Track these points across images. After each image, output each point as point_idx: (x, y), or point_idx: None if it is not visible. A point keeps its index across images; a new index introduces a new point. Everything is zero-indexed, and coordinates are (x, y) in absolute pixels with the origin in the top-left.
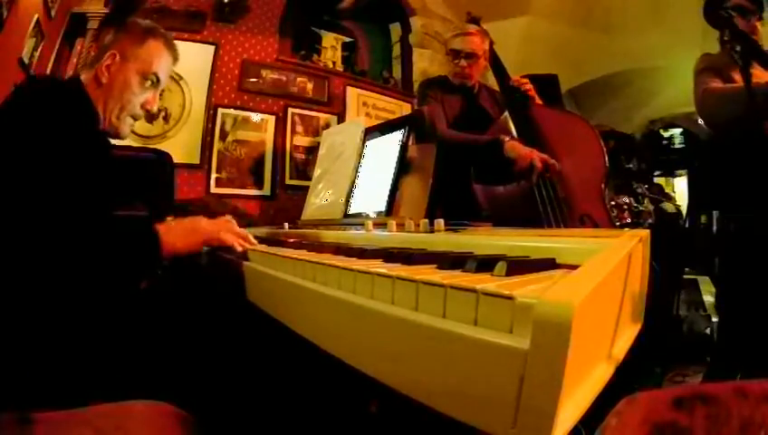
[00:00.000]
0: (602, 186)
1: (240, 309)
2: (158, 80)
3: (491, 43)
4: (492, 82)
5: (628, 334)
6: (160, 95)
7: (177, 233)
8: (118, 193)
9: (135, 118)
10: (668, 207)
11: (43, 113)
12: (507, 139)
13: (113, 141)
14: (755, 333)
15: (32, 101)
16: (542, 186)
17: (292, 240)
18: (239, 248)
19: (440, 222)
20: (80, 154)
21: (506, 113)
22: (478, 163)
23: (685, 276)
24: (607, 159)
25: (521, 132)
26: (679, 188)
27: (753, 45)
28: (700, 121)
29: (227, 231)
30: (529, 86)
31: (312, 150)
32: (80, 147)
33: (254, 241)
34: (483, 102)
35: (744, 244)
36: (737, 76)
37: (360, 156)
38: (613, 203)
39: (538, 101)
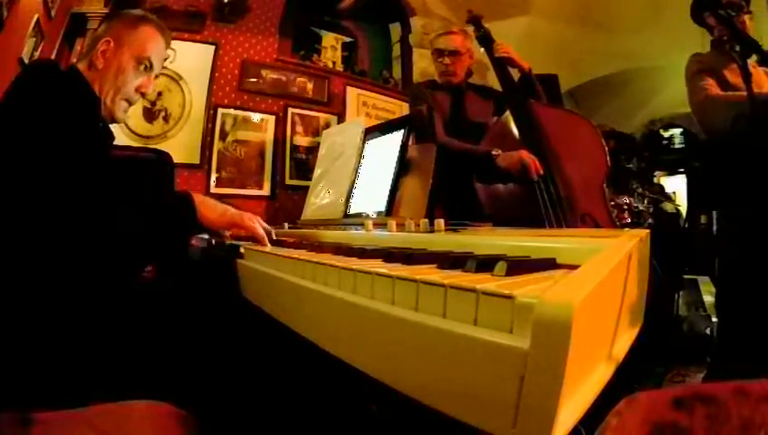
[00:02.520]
0: (604, 185)
1: (240, 309)
2: (151, 64)
3: (492, 43)
4: (491, 82)
5: (628, 334)
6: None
7: (210, 207)
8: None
9: (130, 102)
10: (668, 207)
11: (48, 98)
12: (497, 152)
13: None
14: (756, 333)
15: (36, 87)
16: (543, 184)
17: (292, 240)
18: (261, 239)
19: (440, 222)
20: (88, 135)
21: (507, 112)
22: (474, 169)
23: (685, 276)
24: (609, 158)
25: (522, 131)
26: (668, 187)
27: (753, 44)
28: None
29: (251, 220)
30: (509, 53)
31: (312, 150)
32: (86, 129)
33: (273, 237)
34: (468, 102)
35: (743, 243)
36: (729, 74)
37: (360, 156)
38: (613, 203)
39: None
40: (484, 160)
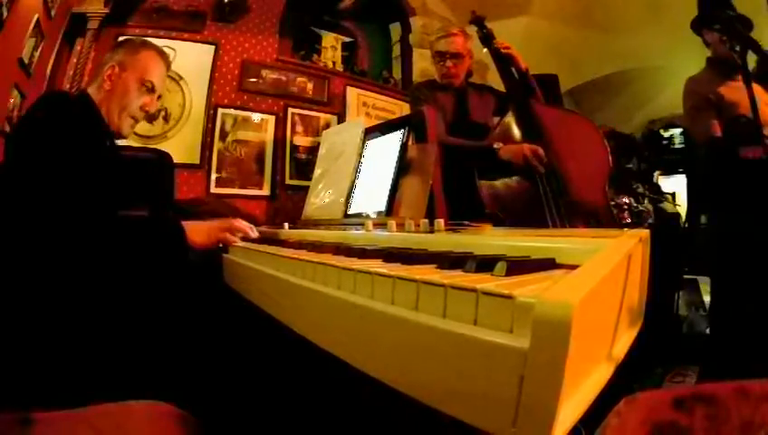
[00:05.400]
0: (606, 185)
1: (239, 310)
2: (153, 85)
3: (494, 42)
4: (491, 82)
5: (628, 334)
6: (158, 97)
7: (196, 230)
8: (122, 193)
9: (135, 119)
10: (668, 207)
11: (61, 122)
12: (499, 145)
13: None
14: (750, 332)
15: (50, 113)
16: (547, 180)
17: (292, 240)
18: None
19: (440, 222)
20: (95, 156)
21: (510, 113)
22: (478, 165)
23: (685, 276)
24: (611, 158)
25: (525, 131)
26: (668, 187)
27: (754, 44)
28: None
29: (231, 233)
30: (510, 49)
31: (312, 150)
32: (95, 150)
33: (254, 235)
34: (471, 103)
35: (738, 244)
36: (725, 91)
37: (360, 156)
38: (613, 203)
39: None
40: (486, 154)
